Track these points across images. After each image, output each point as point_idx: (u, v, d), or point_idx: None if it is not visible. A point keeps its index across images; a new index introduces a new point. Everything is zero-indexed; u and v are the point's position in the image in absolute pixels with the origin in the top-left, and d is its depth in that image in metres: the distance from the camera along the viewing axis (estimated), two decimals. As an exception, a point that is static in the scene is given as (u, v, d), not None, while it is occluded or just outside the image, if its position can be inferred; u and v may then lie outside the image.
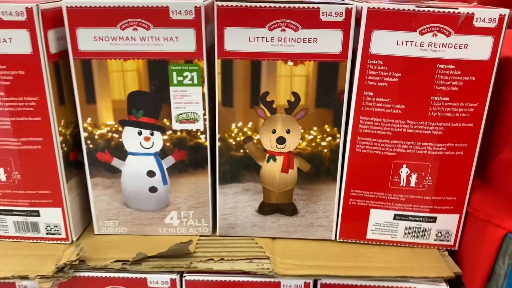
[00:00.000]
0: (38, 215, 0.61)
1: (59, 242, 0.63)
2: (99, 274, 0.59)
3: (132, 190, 0.62)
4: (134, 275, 0.58)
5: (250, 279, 0.58)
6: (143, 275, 0.58)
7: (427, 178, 0.59)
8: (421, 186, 0.59)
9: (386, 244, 0.63)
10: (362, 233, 0.63)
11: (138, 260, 0.58)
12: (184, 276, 0.58)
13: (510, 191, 0.54)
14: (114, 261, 0.58)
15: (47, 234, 0.63)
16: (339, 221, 0.63)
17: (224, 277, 0.58)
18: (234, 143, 0.59)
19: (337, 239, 0.64)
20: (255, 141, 0.59)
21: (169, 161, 0.61)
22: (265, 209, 0.63)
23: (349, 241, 0.63)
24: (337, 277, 0.58)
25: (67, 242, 0.63)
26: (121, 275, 0.58)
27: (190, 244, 0.60)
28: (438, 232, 0.62)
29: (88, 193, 0.63)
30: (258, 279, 0.58)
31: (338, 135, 0.58)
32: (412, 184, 0.59)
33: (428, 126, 0.56)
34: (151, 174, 0.61)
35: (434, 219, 0.61)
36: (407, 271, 0.58)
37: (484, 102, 0.55)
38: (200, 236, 0.64)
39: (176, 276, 0.58)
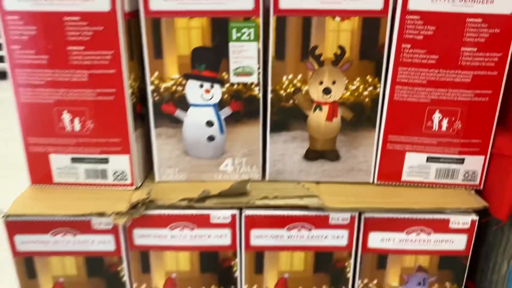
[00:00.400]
0: (107, 162, 0.68)
1: (124, 188, 0.69)
2: (167, 212, 0.65)
3: (192, 139, 0.69)
4: (199, 212, 0.65)
5: (302, 213, 0.65)
6: (207, 211, 0.65)
7: (456, 122, 0.66)
8: (451, 130, 0.67)
9: (419, 185, 0.70)
10: (398, 175, 0.70)
11: (202, 197, 0.65)
12: (244, 211, 0.65)
13: (532, 129, 0.62)
14: (181, 200, 0.65)
15: (114, 180, 0.69)
16: (377, 165, 0.70)
17: (279, 211, 0.65)
18: (284, 94, 0.66)
19: (375, 182, 0.71)
20: (303, 92, 0.66)
21: (226, 111, 0.68)
22: (310, 155, 0.70)
23: (386, 183, 0.71)
24: (380, 211, 0.65)
25: (132, 188, 0.69)
26: (187, 212, 0.65)
27: (248, 183, 0.67)
28: (466, 173, 0.69)
29: (151, 143, 0.69)
30: (310, 213, 0.65)
31: (378, 85, 0.65)
32: (444, 128, 0.67)
33: (458, 74, 0.64)
34: (209, 124, 0.68)
35: (462, 161, 0.68)
36: (441, 204, 0.65)
37: (507, 52, 0.62)
38: (252, 181, 0.71)
39: (236, 212, 0.65)
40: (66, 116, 0.65)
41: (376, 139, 0.69)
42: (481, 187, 0.70)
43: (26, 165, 0.69)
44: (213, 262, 0.68)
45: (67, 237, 0.66)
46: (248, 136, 0.69)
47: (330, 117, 0.68)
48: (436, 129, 0.67)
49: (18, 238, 0.66)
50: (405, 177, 0.70)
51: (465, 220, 0.65)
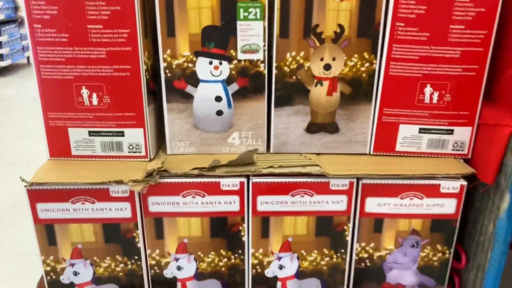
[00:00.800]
0: (123, 135, 0.73)
1: (139, 159, 0.74)
2: (180, 180, 0.70)
3: (202, 114, 0.74)
4: (209, 179, 0.70)
5: (305, 179, 0.70)
6: (217, 179, 0.70)
7: (446, 95, 0.72)
8: (441, 103, 0.72)
9: (412, 155, 0.76)
10: (392, 146, 0.76)
11: (213, 166, 0.70)
12: (251, 179, 0.70)
13: (514, 100, 0.68)
14: (193, 169, 0.70)
15: (129, 152, 0.74)
16: (373, 137, 0.75)
17: (283, 178, 0.70)
18: (288, 70, 0.72)
19: (371, 153, 0.76)
20: (305, 68, 0.72)
21: (233, 87, 0.73)
22: (312, 128, 0.75)
23: (381, 154, 0.76)
24: (376, 177, 0.71)
25: (146, 160, 0.74)
26: (198, 180, 0.70)
27: (255, 153, 0.72)
28: (455, 143, 0.75)
29: (163, 118, 0.74)
30: (312, 180, 0.70)
31: (374, 61, 0.71)
32: (434, 101, 0.72)
33: (448, 50, 0.69)
34: (218, 99, 0.73)
35: (451, 131, 0.74)
36: (432, 171, 0.71)
37: (492, 29, 0.68)
38: (257, 153, 0.76)
39: (244, 180, 0.70)
40: (84, 92, 0.70)
41: (372, 112, 0.74)
42: (469, 156, 0.75)
43: (45, 139, 0.73)
44: (223, 227, 0.73)
45: (86, 205, 0.70)
46: (254, 111, 0.74)
47: (330, 92, 0.73)
48: (428, 102, 0.72)
49: (40, 206, 0.70)
50: (399, 147, 0.76)
51: (455, 185, 0.71)
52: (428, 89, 0.72)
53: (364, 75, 0.72)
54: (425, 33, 0.68)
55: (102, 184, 0.68)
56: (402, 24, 0.68)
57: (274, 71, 0.72)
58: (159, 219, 0.72)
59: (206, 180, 0.70)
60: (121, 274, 0.75)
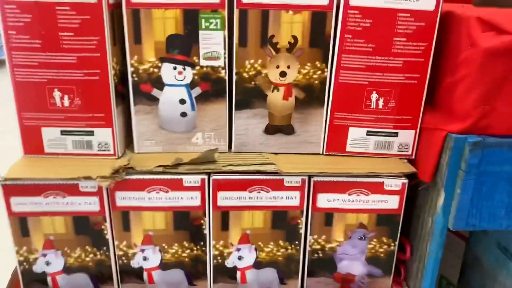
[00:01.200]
0: (93, 135, 0.78)
1: (108, 157, 0.80)
2: (145, 177, 0.76)
3: (167, 115, 0.79)
4: (172, 177, 0.76)
5: (261, 177, 0.77)
6: (179, 176, 0.76)
7: (391, 101, 0.79)
8: (386, 108, 0.79)
9: (361, 155, 0.83)
10: (343, 147, 0.82)
11: (176, 164, 0.76)
12: (212, 176, 0.76)
13: (450, 107, 0.75)
14: (157, 166, 0.76)
15: (98, 150, 0.79)
16: (325, 138, 0.82)
17: (241, 176, 0.77)
18: (247, 76, 0.78)
19: (324, 153, 0.83)
20: (263, 75, 0.78)
21: (196, 91, 0.78)
22: (270, 130, 0.81)
23: (333, 154, 0.83)
24: (326, 175, 0.77)
25: (114, 158, 0.80)
26: (162, 176, 0.76)
27: (216, 152, 0.78)
28: (400, 145, 0.82)
29: (131, 119, 0.80)
30: (267, 177, 0.77)
31: (326, 69, 0.77)
32: (380, 106, 0.79)
33: (391, 60, 0.76)
34: (182, 101, 0.79)
35: (396, 134, 0.81)
36: (377, 170, 0.78)
37: (431, 42, 0.75)
38: (219, 152, 0.82)
39: (205, 177, 0.76)
40: (57, 94, 0.75)
41: (324, 116, 0.80)
42: (413, 157, 0.83)
43: (19, 137, 0.78)
44: (185, 221, 0.79)
45: (57, 199, 0.76)
46: (216, 113, 0.80)
47: (286, 97, 0.79)
48: (374, 107, 0.79)
49: (13, 200, 0.75)
50: (349, 148, 0.82)
51: (397, 183, 0.78)
52: (374, 96, 0.78)
53: (316, 82, 0.78)
54: (371, 44, 0.75)
55: (72, 179, 0.74)
56: (350, 36, 0.75)
57: (234, 77, 0.78)
58: (125, 212, 0.78)
59: (169, 177, 0.76)
60: (90, 264, 0.81)
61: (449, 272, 0.99)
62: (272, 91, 0.79)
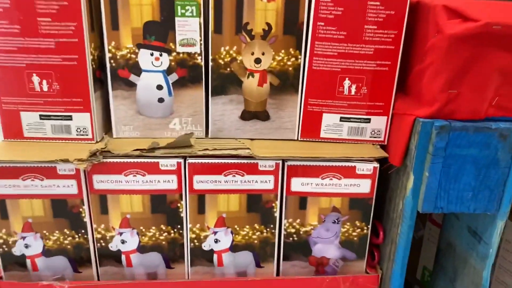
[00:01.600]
0: (71, 119, 0.80)
1: (86, 142, 0.81)
2: (122, 160, 0.77)
3: (144, 101, 0.81)
4: (149, 160, 0.78)
5: (235, 161, 0.79)
6: (156, 160, 0.78)
7: (363, 88, 0.81)
8: (359, 94, 0.81)
9: (334, 141, 0.85)
10: (317, 133, 0.84)
11: (152, 148, 0.77)
12: (187, 160, 0.78)
13: (418, 92, 0.77)
14: (134, 150, 0.77)
15: (77, 135, 0.81)
16: (300, 124, 0.84)
17: (216, 160, 0.78)
18: (222, 63, 0.80)
19: (299, 139, 0.85)
20: (238, 61, 0.80)
21: (173, 77, 0.80)
22: (245, 115, 0.83)
23: (308, 140, 0.85)
24: (299, 159, 0.79)
25: (92, 142, 0.81)
26: (139, 160, 0.78)
27: (192, 136, 0.80)
28: (372, 131, 0.84)
29: (109, 104, 0.81)
30: (242, 161, 0.79)
31: (299, 56, 0.79)
32: (353, 93, 0.81)
33: (363, 47, 0.78)
34: (159, 87, 0.81)
35: (368, 120, 0.83)
36: (349, 154, 0.80)
37: (401, 30, 0.77)
38: (196, 138, 0.84)
39: (181, 160, 0.78)
40: (35, 79, 0.77)
41: (298, 102, 0.83)
42: (386, 142, 0.85)
43: (-1, 122, 0.80)
44: (162, 204, 0.81)
45: (35, 181, 0.77)
46: (193, 99, 0.82)
47: (261, 83, 0.81)
48: (347, 93, 0.81)
49: (-8, 183, 0.77)
50: (323, 134, 0.84)
51: (368, 167, 0.80)
52: (347, 82, 0.81)
53: (290, 68, 0.80)
54: (342, 31, 0.77)
55: (50, 162, 0.75)
56: (323, 24, 0.77)
57: (210, 63, 0.80)
58: (103, 196, 0.80)
59: (146, 160, 0.78)
60: (69, 247, 0.82)
61: (427, 260, 1.02)
62: (247, 77, 0.81)
